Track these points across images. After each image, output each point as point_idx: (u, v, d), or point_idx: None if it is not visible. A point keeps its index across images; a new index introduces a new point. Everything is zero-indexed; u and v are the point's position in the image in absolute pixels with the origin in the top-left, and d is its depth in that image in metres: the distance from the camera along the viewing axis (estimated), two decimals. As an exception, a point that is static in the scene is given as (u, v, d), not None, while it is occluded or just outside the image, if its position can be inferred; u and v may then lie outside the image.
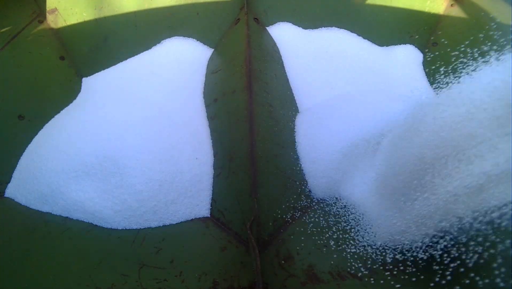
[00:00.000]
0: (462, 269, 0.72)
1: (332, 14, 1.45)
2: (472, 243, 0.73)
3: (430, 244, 0.79)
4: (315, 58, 1.27)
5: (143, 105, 1.17)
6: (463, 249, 0.75)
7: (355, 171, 0.98)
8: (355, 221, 0.94)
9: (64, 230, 0.94)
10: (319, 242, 0.89)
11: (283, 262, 0.85)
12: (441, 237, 0.77)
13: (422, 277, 0.76)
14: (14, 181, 1.05)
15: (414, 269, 0.78)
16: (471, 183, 0.66)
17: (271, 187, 0.99)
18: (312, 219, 0.97)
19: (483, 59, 0.71)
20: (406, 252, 0.82)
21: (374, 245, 0.86)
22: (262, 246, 0.91)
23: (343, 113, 1.07)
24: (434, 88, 1.18)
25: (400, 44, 1.40)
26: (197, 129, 1.15)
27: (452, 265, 0.73)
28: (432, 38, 1.37)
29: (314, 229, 0.94)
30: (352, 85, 1.19)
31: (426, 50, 1.36)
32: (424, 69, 1.32)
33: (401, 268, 0.79)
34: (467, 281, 0.70)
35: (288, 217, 0.98)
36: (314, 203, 1.01)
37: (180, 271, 0.85)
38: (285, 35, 1.40)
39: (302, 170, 1.03)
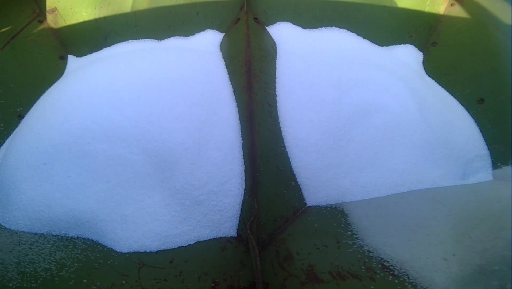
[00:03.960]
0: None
1: (332, 14, 1.45)
2: None
3: None
4: (315, 58, 1.27)
5: (143, 105, 1.17)
6: None
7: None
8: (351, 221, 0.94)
9: None
10: (319, 242, 0.89)
11: (283, 262, 0.85)
12: None
13: (422, 277, 0.76)
14: None
15: (415, 270, 0.78)
16: None
17: (271, 187, 0.99)
18: (312, 219, 0.97)
19: None
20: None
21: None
22: (262, 246, 0.91)
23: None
24: None
25: (400, 44, 1.40)
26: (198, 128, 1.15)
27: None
28: (432, 38, 1.37)
29: (314, 229, 0.94)
30: (351, 85, 1.18)
31: (426, 50, 1.36)
32: (424, 68, 1.32)
33: (401, 267, 0.79)
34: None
35: (288, 217, 0.98)
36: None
37: (180, 271, 0.85)
38: (285, 35, 1.40)
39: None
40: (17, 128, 1.16)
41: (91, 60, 1.39)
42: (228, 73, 1.23)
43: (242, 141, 1.04)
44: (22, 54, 1.32)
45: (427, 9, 1.39)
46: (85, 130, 0.99)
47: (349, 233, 0.91)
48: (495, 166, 1.02)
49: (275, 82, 1.20)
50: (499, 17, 1.19)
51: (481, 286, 0.69)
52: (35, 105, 1.20)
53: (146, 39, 1.46)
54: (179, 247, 0.92)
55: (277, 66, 1.25)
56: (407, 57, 1.35)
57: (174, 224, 0.93)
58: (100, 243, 0.92)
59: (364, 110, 1.06)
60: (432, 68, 1.30)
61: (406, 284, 0.76)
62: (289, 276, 0.81)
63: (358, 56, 1.29)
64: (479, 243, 0.74)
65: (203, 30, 1.47)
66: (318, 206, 1.01)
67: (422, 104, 1.08)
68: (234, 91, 1.16)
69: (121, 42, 1.45)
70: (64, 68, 1.40)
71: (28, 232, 0.93)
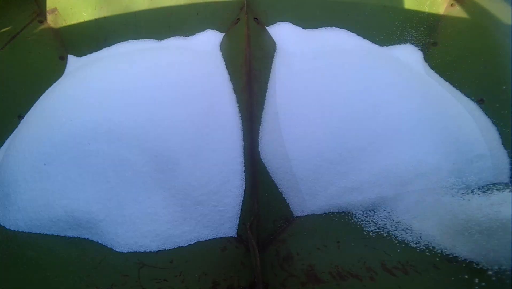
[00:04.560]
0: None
1: (332, 14, 1.45)
2: None
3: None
4: (314, 58, 1.27)
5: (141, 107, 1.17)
6: None
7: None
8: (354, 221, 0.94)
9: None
10: (319, 242, 0.89)
11: (283, 262, 0.85)
12: None
13: (422, 277, 0.76)
14: None
15: (415, 270, 0.78)
16: None
17: (271, 187, 0.99)
18: (313, 219, 0.97)
19: None
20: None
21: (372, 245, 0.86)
22: (262, 246, 0.91)
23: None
24: None
25: (400, 44, 1.40)
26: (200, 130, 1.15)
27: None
28: (432, 38, 1.37)
29: (314, 229, 0.94)
30: (351, 85, 1.19)
31: (426, 50, 1.36)
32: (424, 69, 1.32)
33: (401, 268, 0.79)
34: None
35: (288, 217, 0.98)
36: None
37: (180, 271, 0.85)
38: (285, 35, 1.40)
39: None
40: (17, 128, 1.16)
41: (91, 60, 1.39)
42: (228, 73, 1.23)
43: (242, 141, 1.04)
44: (22, 54, 1.32)
45: (427, 9, 1.39)
46: (85, 130, 0.99)
47: (349, 233, 0.91)
48: (494, 166, 1.02)
49: (274, 82, 1.19)
50: (499, 17, 1.19)
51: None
52: (35, 105, 1.20)
53: (146, 39, 1.46)
54: (179, 247, 0.92)
55: (274, 65, 1.25)
56: (407, 57, 1.35)
57: (174, 224, 0.93)
58: (100, 243, 0.92)
59: (364, 110, 1.06)
60: (432, 68, 1.30)
61: (406, 284, 0.76)
62: (289, 276, 0.81)
63: (358, 56, 1.29)
64: (479, 248, 0.74)
65: (203, 30, 1.47)
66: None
67: (422, 105, 1.08)
68: (234, 91, 1.16)
69: (121, 42, 1.45)
70: (64, 68, 1.40)
71: (28, 232, 0.93)
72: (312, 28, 1.44)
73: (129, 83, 1.11)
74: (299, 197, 1.01)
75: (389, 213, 0.95)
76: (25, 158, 0.99)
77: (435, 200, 0.94)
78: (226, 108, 1.11)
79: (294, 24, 1.45)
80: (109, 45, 1.44)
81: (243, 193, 0.98)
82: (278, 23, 1.46)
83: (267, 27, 1.42)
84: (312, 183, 1.01)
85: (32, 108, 1.20)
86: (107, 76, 1.16)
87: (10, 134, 1.16)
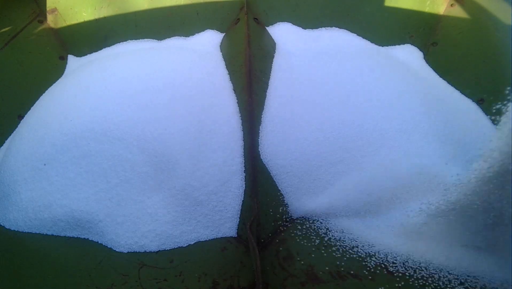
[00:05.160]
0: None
1: (332, 14, 1.45)
2: None
3: None
4: (315, 58, 1.27)
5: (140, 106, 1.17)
6: None
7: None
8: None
9: None
10: (319, 242, 0.89)
11: (283, 262, 0.85)
12: None
13: (421, 278, 0.76)
14: None
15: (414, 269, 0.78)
16: None
17: (271, 187, 0.99)
18: (313, 219, 0.97)
19: None
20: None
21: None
22: (262, 246, 0.91)
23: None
24: None
25: (400, 44, 1.40)
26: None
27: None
28: (432, 38, 1.37)
29: (314, 229, 0.94)
30: (351, 85, 1.19)
31: (426, 50, 1.36)
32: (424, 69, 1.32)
33: (401, 268, 0.79)
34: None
35: (288, 217, 0.98)
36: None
37: (180, 271, 0.85)
38: (285, 35, 1.40)
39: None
40: (17, 128, 1.16)
41: (91, 60, 1.39)
42: (228, 73, 1.23)
43: (242, 141, 1.04)
44: (22, 54, 1.32)
45: (427, 9, 1.39)
46: (85, 130, 0.99)
47: (349, 233, 0.91)
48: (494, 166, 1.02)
49: (274, 82, 1.19)
50: (499, 17, 1.19)
51: None
52: (35, 105, 1.21)
53: (146, 39, 1.46)
54: (179, 247, 0.92)
55: (274, 65, 1.25)
56: (407, 57, 1.35)
57: (174, 225, 0.93)
58: (100, 243, 0.92)
59: (364, 110, 1.06)
60: (432, 68, 1.30)
61: (406, 284, 0.76)
62: (289, 276, 0.82)
63: (358, 56, 1.29)
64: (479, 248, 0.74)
65: (203, 30, 1.47)
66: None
67: (421, 105, 1.08)
68: (234, 91, 1.16)
69: (121, 42, 1.45)
70: (64, 68, 1.40)
71: (28, 232, 0.93)
72: (312, 28, 1.44)
73: (129, 83, 1.11)
74: (299, 197, 1.01)
75: (388, 214, 0.95)
76: (25, 158, 0.99)
77: (433, 207, 0.94)
78: (226, 108, 1.11)
79: (294, 24, 1.45)
80: (109, 45, 1.45)
81: (243, 193, 0.98)
82: (278, 23, 1.46)
83: (267, 27, 1.43)
84: (312, 183, 1.01)
85: (32, 108, 1.20)
86: (107, 76, 1.16)
87: (10, 135, 1.16)
